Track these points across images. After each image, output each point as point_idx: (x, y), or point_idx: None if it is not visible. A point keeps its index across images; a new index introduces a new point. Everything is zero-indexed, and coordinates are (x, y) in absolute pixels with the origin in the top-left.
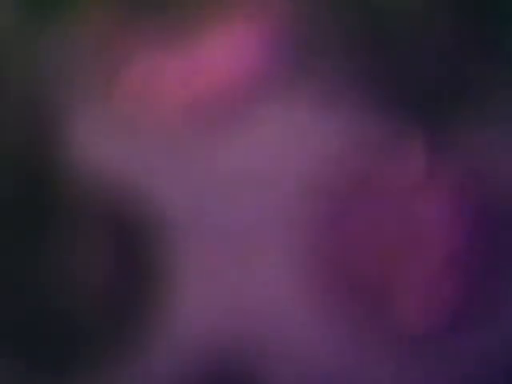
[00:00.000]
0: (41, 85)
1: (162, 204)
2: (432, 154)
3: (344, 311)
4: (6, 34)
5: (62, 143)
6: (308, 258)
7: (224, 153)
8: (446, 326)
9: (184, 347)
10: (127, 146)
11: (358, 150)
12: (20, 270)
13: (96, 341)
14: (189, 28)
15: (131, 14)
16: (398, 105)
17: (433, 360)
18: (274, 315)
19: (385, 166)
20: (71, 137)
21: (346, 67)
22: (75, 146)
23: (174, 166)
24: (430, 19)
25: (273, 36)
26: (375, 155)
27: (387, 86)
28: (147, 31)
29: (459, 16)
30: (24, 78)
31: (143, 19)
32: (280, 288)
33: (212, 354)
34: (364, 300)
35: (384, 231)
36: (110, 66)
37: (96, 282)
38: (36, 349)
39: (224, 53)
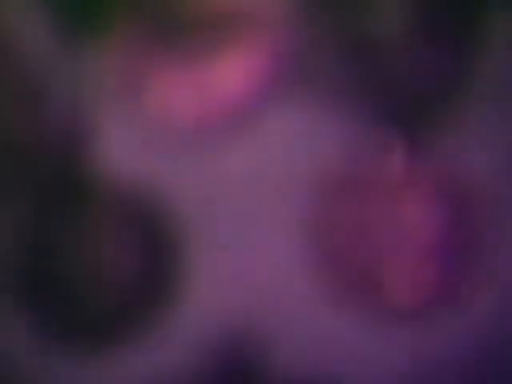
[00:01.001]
0: (75, 103)
1: (178, 201)
2: (411, 156)
3: (340, 292)
4: (46, 57)
5: (94, 153)
6: (309, 246)
7: (232, 157)
8: (429, 304)
9: (198, 323)
10: (149, 154)
11: (348, 153)
12: (57, 259)
13: (116, 323)
14: (203, 51)
15: (154, 39)
16: (381, 114)
17: (419, 333)
18: (280, 294)
19: (371, 166)
20: (102, 147)
21: (338, 84)
22: (105, 155)
23: (189, 169)
24: (407, 37)
25: (275, 57)
26: (363, 157)
27: (372, 99)
28: (168, 54)
29: (434, 31)
30: (61, 97)
31: (164, 44)
32: (284, 271)
33: (223, 328)
34: (357, 281)
35: (373, 223)
36: (135, 85)
37: (120, 271)
38: (63, 332)
39: (233, 72)
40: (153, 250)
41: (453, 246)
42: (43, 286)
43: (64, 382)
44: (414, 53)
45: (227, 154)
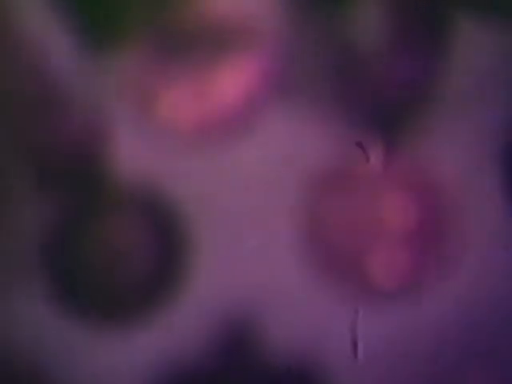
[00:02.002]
0: (95, 110)
1: (183, 197)
2: (388, 156)
3: (328, 275)
4: (70, 68)
5: (110, 155)
6: (300, 236)
7: (231, 159)
8: (404, 283)
9: (205, 305)
10: (157, 156)
11: (333, 154)
12: (79, 247)
13: (134, 300)
14: (206, 64)
15: (163, 54)
16: (361, 119)
17: (396, 309)
18: (274, 280)
19: (353, 165)
20: (116, 149)
21: (324, 92)
22: (119, 157)
23: (192, 169)
24: (384, 52)
25: (270, 70)
26: (346, 157)
27: (354, 106)
28: (175, 67)
29: (408, 44)
30: (82, 105)
31: (172, 58)
32: (278, 259)
33: (223, 313)
34: (342, 265)
35: (355, 213)
36: (146, 94)
37: (137, 257)
38: (84, 314)
39: (232, 81)
40: (160, 241)
41: (424, 233)
42: (67, 272)
43: (83, 354)
44: (390, 65)
45: (226, 156)
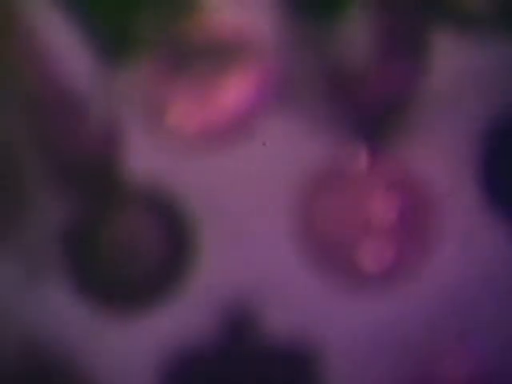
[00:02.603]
0: (111, 116)
1: (191, 195)
2: (373, 159)
3: (321, 263)
4: (89, 77)
5: (124, 157)
6: (296, 228)
7: (234, 160)
8: (388, 272)
9: (209, 293)
10: (167, 158)
11: (325, 156)
12: (96, 240)
13: (146, 289)
14: (210, 75)
15: (172, 66)
16: (349, 125)
17: (383, 293)
18: (273, 268)
19: (342, 166)
20: (130, 152)
21: (316, 100)
22: (133, 158)
23: (199, 170)
24: (369, 62)
25: (269, 80)
26: (336, 159)
27: (345, 113)
28: (182, 78)
29: (392, 56)
30: (99, 111)
31: (180, 70)
32: (277, 251)
33: (228, 297)
34: (334, 255)
35: (345, 209)
36: (156, 102)
37: (147, 251)
38: (104, 300)
39: (234, 91)
40: (172, 234)
41: (407, 226)
42: (86, 263)
43: (101, 339)
44: (375, 74)
45: (228, 158)
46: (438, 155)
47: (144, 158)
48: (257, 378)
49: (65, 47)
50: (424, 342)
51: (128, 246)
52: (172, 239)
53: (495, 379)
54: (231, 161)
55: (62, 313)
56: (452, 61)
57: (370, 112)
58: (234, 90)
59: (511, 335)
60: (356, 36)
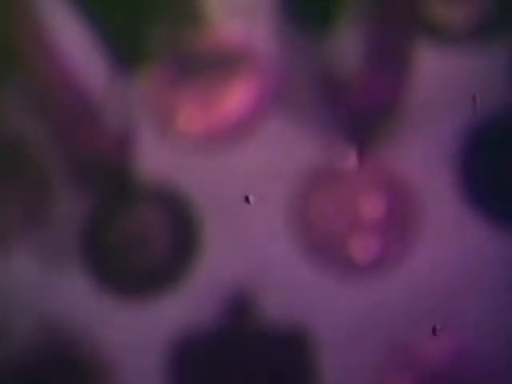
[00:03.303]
0: (124, 119)
1: (196, 191)
2: (362, 159)
3: (314, 253)
4: (105, 85)
5: (137, 156)
6: (293, 222)
7: (235, 159)
8: (376, 261)
9: (213, 281)
10: (175, 157)
11: (318, 157)
12: (111, 233)
13: (156, 278)
14: (214, 82)
15: (179, 73)
16: (342, 129)
17: (371, 280)
18: (272, 260)
19: (334, 166)
20: (142, 152)
21: (311, 106)
22: (144, 158)
23: (204, 168)
24: (359, 70)
25: (268, 87)
26: (328, 160)
27: (337, 117)
28: (189, 84)
29: (379, 65)
30: (114, 114)
31: (186, 79)
32: (275, 242)
33: (231, 287)
34: (326, 245)
35: (337, 204)
36: (166, 107)
37: (157, 243)
38: (116, 286)
39: (237, 97)
40: (178, 228)
41: (392, 220)
42: (102, 254)
43: (116, 322)
44: (363, 82)
45: (231, 157)
46: (421, 156)
47: (154, 158)
48: (255, 358)
49: (83, 56)
50: (405, 325)
51: (140, 238)
52: (179, 233)
53: (471, 359)
54: (233, 161)
55: (80, 299)
56: (433, 70)
57: (359, 116)
58: (236, 97)
59: (486, 320)
60: (346, 48)
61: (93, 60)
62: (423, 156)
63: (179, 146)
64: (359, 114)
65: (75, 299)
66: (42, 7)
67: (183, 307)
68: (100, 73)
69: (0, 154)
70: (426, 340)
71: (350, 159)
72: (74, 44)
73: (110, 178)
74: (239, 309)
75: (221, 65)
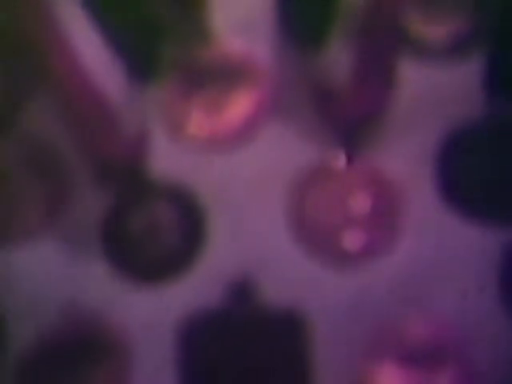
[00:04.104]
0: (140, 125)
1: (203, 188)
2: (350, 161)
3: (310, 243)
4: (121, 93)
5: (151, 158)
6: (290, 216)
7: (237, 161)
8: (366, 250)
9: (218, 267)
10: (184, 158)
11: (312, 159)
12: (128, 226)
13: (168, 264)
14: (219, 94)
15: (188, 84)
16: (333, 133)
17: (359, 269)
18: (271, 249)
19: (327, 165)
20: (155, 154)
21: (306, 115)
22: (157, 159)
23: (209, 168)
24: (347, 81)
25: (266, 98)
26: (321, 161)
27: (329, 124)
28: (197, 94)
29: (365, 77)
30: (131, 121)
31: (194, 90)
32: (274, 233)
33: (234, 272)
34: (320, 236)
35: (329, 200)
36: (176, 114)
37: (169, 234)
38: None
39: (239, 107)
40: (187, 221)
41: (377, 215)
42: (120, 243)
43: (135, 303)
44: (352, 93)
45: (234, 159)
46: (403, 158)
47: (165, 160)
48: (254, 336)
49: (104, 69)
50: (389, 309)
51: (153, 230)
52: (188, 225)
53: (445, 337)
54: (236, 162)
55: (100, 283)
56: (414, 82)
57: (348, 123)
58: (239, 105)
59: (459, 302)
60: (337, 62)
61: (112, 73)
62: (406, 158)
63: (188, 149)
64: (349, 121)
65: (96, 283)
66: (68, 25)
67: (191, 290)
68: (119, 84)
69: (32, 156)
70: (406, 322)
71: (341, 161)
72: (97, 59)
73: (126, 177)
74: (240, 292)
75: (225, 77)
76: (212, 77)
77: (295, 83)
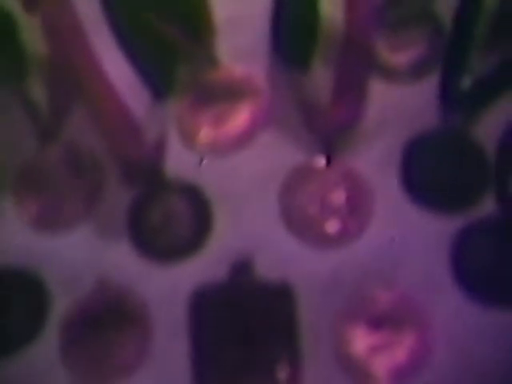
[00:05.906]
0: (159, 134)
1: (209, 185)
2: (330, 161)
3: (299, 232)
4: (142, 111)
5: (167, 161)
6: (283, 206)
7: (239, 162)
8: (343, 234)
9: (222, 251)
10: (195, 161)
11: (301, 160)
12: (148, 218)
13: (180, 248)
14: (224, 108)
15: (197, 103)
16: (318, 140)
17: (337, 250)
18: (266, 237)
19: (310, 166)
20: (171, 158)
21: (297, 126)
22: (172, 162)
23: (215, 169)
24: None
25: (264, 111)
26: (308, 162)
27: (314, 133)
28: (205, 110)
29: (346, 88)
30: (151, 131)
31: (203, 105)
32: (268, 223)
33: (235, 254)
34: (307, 225)
35: (314, 195)
36: (188, 126)
37: (181, 223)
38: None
39: (241, 119)
40: (196, 212)
41: (350, 206)
42: (142, 229)
43: (153, 281)
44: (333, 106)
45: (236, 161)
46: (373, 160)
47: (179, 162)
48: (252, 305)
49: (129, 86)
50: (362, 282)
51: (169, 218)
52: (196, 215)
53: (410, 305)
54: (237, 163)
55: (125, 263)
56: (383, 97)
57: (328, 131)
58: (240, 118)
59: (421, 277)
60: (320, 81)
61: (137, 92)
62: (375, 160)
63: (198, 153)
64: (328, 130)
65: (122, 263)
66: (102, 53)
67: (199, 269)
68: (142, 101)
69: (72, 159)
70: (376, 292)
71: (322, 162)
72: (124, 80)
73: (147, 176)
74: (241, 270)
75: (229, 95)
76: (218, 95)
77: (286, 99)
